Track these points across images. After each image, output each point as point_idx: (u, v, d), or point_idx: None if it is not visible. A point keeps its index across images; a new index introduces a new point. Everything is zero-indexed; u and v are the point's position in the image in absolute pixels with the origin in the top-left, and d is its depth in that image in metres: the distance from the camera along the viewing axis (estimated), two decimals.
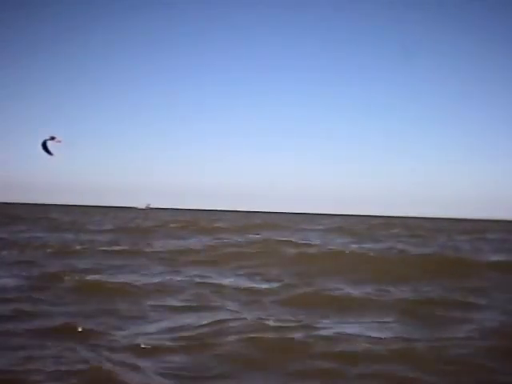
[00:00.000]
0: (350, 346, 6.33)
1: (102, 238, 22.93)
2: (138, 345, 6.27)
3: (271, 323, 7.34)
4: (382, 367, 5.70)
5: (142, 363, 5.66)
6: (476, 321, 8.02)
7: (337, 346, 6.31)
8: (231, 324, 7.25)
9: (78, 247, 17.89)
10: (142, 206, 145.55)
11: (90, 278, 11.19)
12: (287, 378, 5.48)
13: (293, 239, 23.47)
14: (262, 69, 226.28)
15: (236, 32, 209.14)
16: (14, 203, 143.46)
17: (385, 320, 8.05)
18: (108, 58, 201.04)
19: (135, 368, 5.49)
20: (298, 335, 6.67)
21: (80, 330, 6.83)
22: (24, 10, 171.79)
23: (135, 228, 33.98)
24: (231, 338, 6.57)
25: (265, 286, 11.25)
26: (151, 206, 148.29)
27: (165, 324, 7.47)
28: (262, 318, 7.69)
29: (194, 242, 22.14)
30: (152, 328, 7.23)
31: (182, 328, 7.16)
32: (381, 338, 6.74)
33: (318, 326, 7.37)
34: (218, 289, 10.43)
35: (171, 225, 38.11)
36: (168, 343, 6.41)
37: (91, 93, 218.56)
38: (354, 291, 10.67)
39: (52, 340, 6.31)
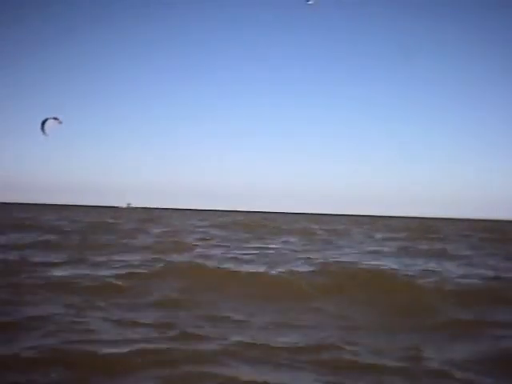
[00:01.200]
0: None
1: None
2: None
3: None
4: None
5: None
6: None
7: None
8: None
9: None
10: (123, 205, 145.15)
11: None
12: None
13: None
14: (260, 68, 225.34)
15: (234, 32, 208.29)
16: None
17: None
18: (99, 56, 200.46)
19: None
20: None
21: None
22: (24, 10, 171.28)
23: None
24: None
25: None
26: (132, 206, 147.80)
27: None
28: None
29: None
30: None
31: None
32: None
33: None
34: None
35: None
36: None
37: (80, 93, 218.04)
38: None
39: None
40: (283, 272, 11.06)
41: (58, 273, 10.63)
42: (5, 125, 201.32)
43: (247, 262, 13.71)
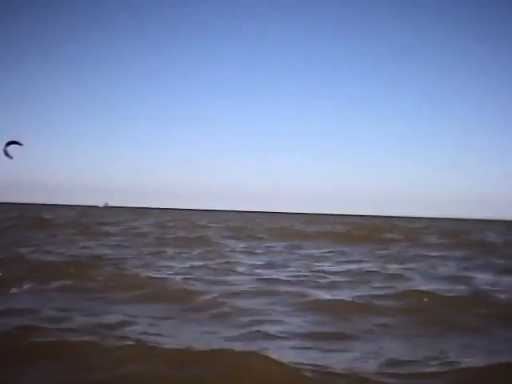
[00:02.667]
0: None
1: None
2: None
3: None
4: None
5: None
6: None
7: None
8: None
9: None
10: (100, 204, 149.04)
11: None
12: None
13: None
14: (259, 69, 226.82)
15: (234, 34, 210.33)
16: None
17: None
18: (98, 57, 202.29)
19: None
20: None
21: None
22: (25, 11, 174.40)
23: None
24: None
25: None
26: (109, 205, 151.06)
27: None
28: None
29: None
30: None
31: None
32: None
33: None
34: None
35: None
36: None
37: (76, 94, 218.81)
38: None
39: None
40: None
41: None
42: (4, 125, 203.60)
43: None
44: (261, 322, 7.11)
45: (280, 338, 6.34)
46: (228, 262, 14.29)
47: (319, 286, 10.44)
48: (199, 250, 17.82)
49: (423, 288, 9.91)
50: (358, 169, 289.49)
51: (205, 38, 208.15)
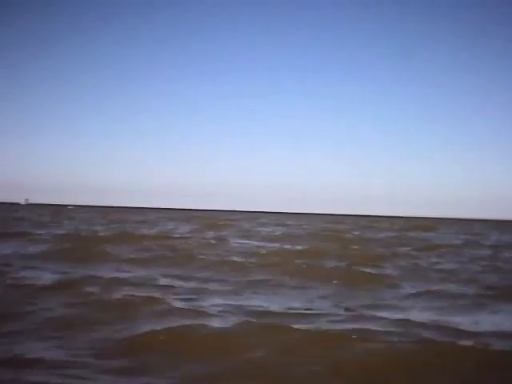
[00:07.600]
0: None
1: None
2: None
3: None
4: None
5: None
6: None
7: None
8: None
9: None
10: (21, 201, 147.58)
11: None
12: None
13: None
14: (259, 68, 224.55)
15: (234, 32, 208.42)
16: None
17: None
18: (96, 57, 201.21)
19: None
20: None
21: None
22: (25, 10, 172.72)
23: None
24: None
25: None
26: (29, 202, 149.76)
27: None
28: None
29: None
30: None
31: None
32: None
33: None
34: None
35: None
36: None
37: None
38: None
39: None
40: None
41: None
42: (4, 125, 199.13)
43: None
44: None
45: None
46: None
47: None
48: None
49: None
50: (356, 169, 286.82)
51: (205, 36, 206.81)
